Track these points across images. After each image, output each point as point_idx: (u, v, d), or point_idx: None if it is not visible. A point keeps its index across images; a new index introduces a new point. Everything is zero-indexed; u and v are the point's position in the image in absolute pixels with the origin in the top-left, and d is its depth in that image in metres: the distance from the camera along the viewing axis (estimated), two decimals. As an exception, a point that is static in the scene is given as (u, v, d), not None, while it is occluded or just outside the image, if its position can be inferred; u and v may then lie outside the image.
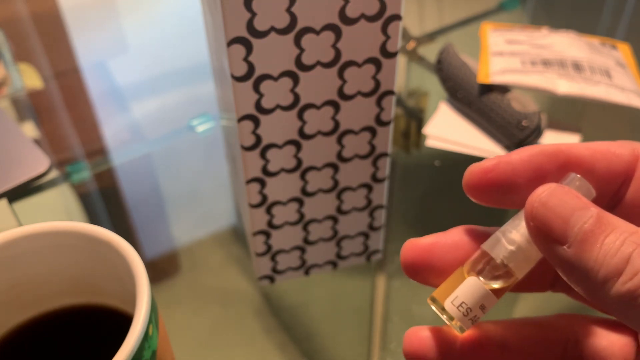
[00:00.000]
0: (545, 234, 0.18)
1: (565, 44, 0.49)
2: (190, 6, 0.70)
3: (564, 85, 0.45)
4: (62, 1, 0.67)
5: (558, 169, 0.19)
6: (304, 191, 0.34)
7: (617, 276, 0.16)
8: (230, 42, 0.27)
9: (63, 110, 0.56)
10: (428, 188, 0.47)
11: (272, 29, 0.27)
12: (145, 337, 0.21)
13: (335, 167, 0.34)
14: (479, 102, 0.46)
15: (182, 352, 0.34)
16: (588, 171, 0.19)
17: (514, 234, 0.19)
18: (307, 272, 0.39)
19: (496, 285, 0.19)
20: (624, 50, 0.51)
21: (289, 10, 0.27)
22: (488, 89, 0.46)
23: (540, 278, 0.22)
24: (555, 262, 0.18)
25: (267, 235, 0.36)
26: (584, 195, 0.18)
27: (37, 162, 0.40)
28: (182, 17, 0.69)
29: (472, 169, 0.20)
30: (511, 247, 0.19)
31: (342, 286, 0.42)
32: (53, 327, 0.26)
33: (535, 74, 0.46)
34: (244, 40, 0.27)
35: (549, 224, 0.18)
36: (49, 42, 0.63)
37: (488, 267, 0.19)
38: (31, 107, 0.56)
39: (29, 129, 0.53)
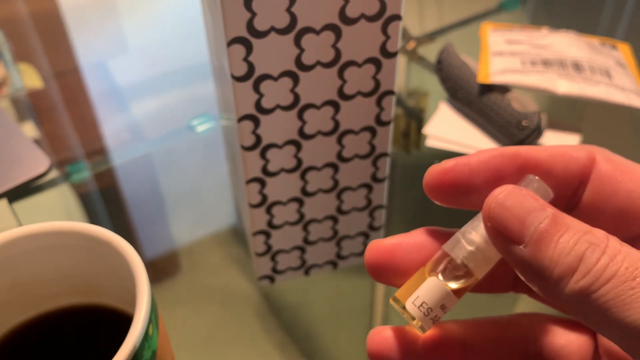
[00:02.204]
0: (502, 234, 0.18)
1: (565, 44, 0.49)
2: (190, 6, 0.70)
3: (564, 85, 0.45)
4: (62, 1, 0.67)
5: (516, 171, 0.20)
6: (304, 191, 0.34)
7: (571, 274, 0.16)
8: (230, 42, 0.27)
9: (63, 110, 0.56)
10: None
11: (272, 29, 0.27)
12: (145, 337, 0.21)
13: (335, 167, 0.34)
14: (479, 102, 0.46)
15: (182, 352, 0.34)
16: (546, 173, 0.20)
17: (473, 235, 0.20)
18: (307, 272, 0.39)
19: (456, 285, 0.20)
20: (624, 50, 0.51)
21: (289, 10, 0.27)
22: (488, 89, 0.46)
23: (501, 279, 0.22)
24: (513, 261, 0.18)
25: (267, 235, 0.36)
26: (541, 197, 0.18)
27: (37, 162, 0.40)
28: (182, 17, 0.69)
29: (431, 170, 0.20)
30: (470, 248, 0.19)
31: (342, 286, 0.42)
32: (53, 327, 0.26)
33: (535, 74, 0.46)
34: (244, 40, 0.27)
35: (505, 225, 0.18)
36: (49, 42, 0.63)
37: (449, 268, 0.20)
38: (31, 107, 0.56)
39: (29, 129, 0.53)
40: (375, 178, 0.35)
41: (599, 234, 0.17)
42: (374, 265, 0.21)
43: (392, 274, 0.21)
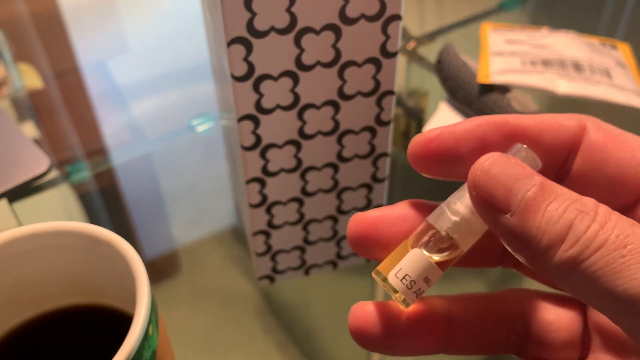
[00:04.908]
0: (487, 203, 0.17)
1: (565, 44, 0.49)
2: (190, 6, 0.70)
3: (564, 85, 0.45)
4: (62, 1, 0.67)
5: (504, 139, 0.19)
6: (304, 191, 0.34)
7: (560, 243, 0.16)
8: (230, 42, 0.27)
9: (63, 110, 0.56)
10: (428, 188, 0.47)
11: (272, 29, 0.27)
12: (145, 337, 0.21)
13: (335, 167, 0.34)
14: (479, 102, 0.46)
15: (182, 352, 0.34)
16: (534, 142, 0.19)
17: (458, 205, 0.19)
18: (307, 272, 0.39)
19: (441, 257, 0.19)
20: (624, 50, 0.51)
21: (289, 10, 0.27)
22: (488, 89, 0.46)
23: (488, 253, 0.22)
24: (499, 232, 0.17)
25: (267, 235, 0.36)
26: (530, 166, 0.18)
27: (37, 162, 0.40)
28: (182, 17, 0.69)
29: (416, 139, 0.19)
30: (455, 218, 0.19)
31: (342, 286, 0.42)
32: (53, 327, 0.26)
33: (535, 74, 0.46)
34: (244, 40, 0.27)
35: (491, 193, 0.17)
36: (49, 42, 0.63)
37: (433, 240, 0.19)
38: (31, 107, 0.56)
39: (29, 129, 0.53)
40: (375, 178, 0.35)
41: (589, 201, 0.16)
42: (356, 237, 0.20)
43: (374, 247, 0.20)
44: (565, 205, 0.16)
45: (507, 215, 0.17)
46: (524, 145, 0.19)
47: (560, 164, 0.20)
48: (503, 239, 0.18)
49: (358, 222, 0.20)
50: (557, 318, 0.21)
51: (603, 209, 0.16)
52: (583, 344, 0.21)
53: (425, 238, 0.19)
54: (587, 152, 0.19)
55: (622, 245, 0.15)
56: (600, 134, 0.19)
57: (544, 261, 0.16)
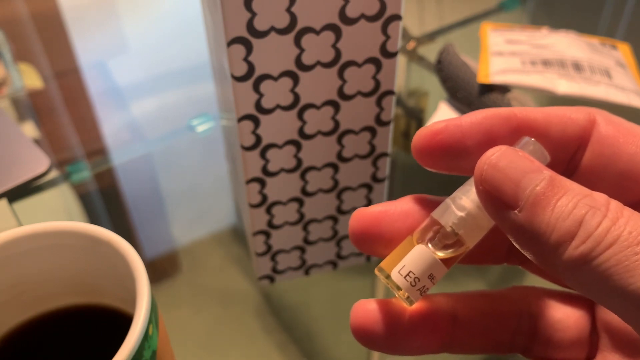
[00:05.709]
0: (495, 198, 0.17)
1: (565, 44, 0.49)
2: (190, 6, 0.70)
3: (564, 85, 0.45)
4: (62, 1, 0.67)
5: (511, 132, 0.19)
6: (304, 191, 0.34)
7: (570, 240, 0.15)
8: (230, 42, 0.27)
9: (63, 110, 0.56)
10: (428, 188, 0.47)
11: (272, 29, 0.27)
12: (145, 337, 0.21)
13: (335, 167, 0.34)
14: (479, 102, 0.46)
15: (182, 352, 0.34)
16: (543, 135, 0.19)
17: (464, 200, 0.18)
18: (307, 272, 0.39)
19: (446, 254, 0.19)
20: (624, 50, 0.51)
21: (289, 10, 0.27)
22: (488, 89, 0.46)
23: (494, 249, 0.21)
24: (506, 228, 0.17)
25: (267, 235, 0.36)
26: (538, 160, 0.17)
27: (37, 162, 0.40)
28: (182, 17, 0.69)
29: (421, 132, 0.19)
30: (461, 214, 0.18)
31: (342, 286, 0.42)
32: (53, 327, 0.26)
33: (535, 74, 0.46)
34: (244, 40, 0.27)
35: (498, 187, 0.17)
36: (49, 42, 0.63)
37: (438, 236, 0.19)
38: (31, 107, 0.56)
39: (29, 129, 0.53)
40: (375, 178, 0.35)
41: (600, 197, 0.16)
42: (358, 234, 0.20)
43: (377, 244, 0.20)
44: (575, 201, 0.16)
45: (515, 211, 0.16)
46: (532, 139, 0.18)
47: (568, 157, 0.19)
48: (510, 235, 0.17)
49: (360, 217, 0.20)
50: (564, 316, 0.20)
51: (614, 204, 0.16)
52: (591, 343, 0.20)
53: (430, 234, 0.19)
54: (597, 146, 0.19)
55: (636, 242, 0.15)
56: (610, 128, 0.19)
57: (553, 258, 0.16)
